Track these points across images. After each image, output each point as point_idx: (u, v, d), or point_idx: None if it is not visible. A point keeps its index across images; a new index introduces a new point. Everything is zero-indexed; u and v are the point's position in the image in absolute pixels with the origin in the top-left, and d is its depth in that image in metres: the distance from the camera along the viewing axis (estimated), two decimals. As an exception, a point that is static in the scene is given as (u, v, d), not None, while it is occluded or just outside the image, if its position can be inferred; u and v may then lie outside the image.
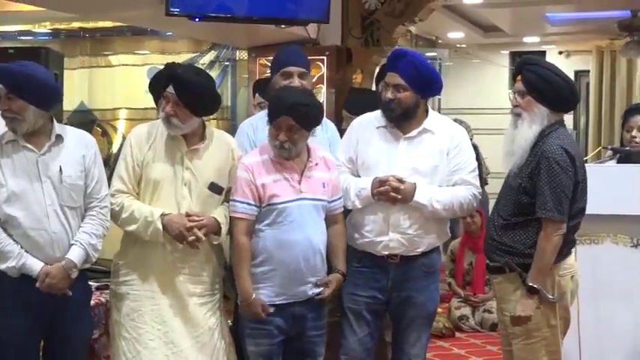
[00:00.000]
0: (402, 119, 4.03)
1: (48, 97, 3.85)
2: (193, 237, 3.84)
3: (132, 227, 3.90)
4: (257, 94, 5.46)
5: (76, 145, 3.91)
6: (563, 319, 3.93)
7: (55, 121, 3.92)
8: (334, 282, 4.01)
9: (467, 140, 4.18)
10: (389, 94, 3.99)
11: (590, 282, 4.60)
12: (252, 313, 3.87)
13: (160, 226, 3.83)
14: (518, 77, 3.97)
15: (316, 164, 3.99)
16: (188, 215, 3.87)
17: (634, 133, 5.06)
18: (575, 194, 3.83)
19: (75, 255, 3.81)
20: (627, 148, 5.10)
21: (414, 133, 4.05)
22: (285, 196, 3.89)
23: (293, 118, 3.84)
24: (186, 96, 3.86)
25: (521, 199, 3.85)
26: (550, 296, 3.83)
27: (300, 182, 3.93)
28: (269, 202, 3.88)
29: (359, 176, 4.10)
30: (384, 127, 4.08)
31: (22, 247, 3.75)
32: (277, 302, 3.90)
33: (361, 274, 4.09)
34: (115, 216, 3.96)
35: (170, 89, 3.88)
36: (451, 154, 4.07)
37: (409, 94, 3.98)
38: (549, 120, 3.89)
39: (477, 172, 4.16)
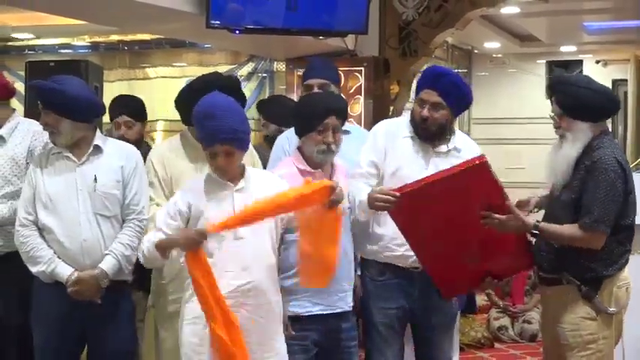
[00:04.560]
0: (435, 136, 4.01)
1: (81, 109, 3.90)
2: None
3: None
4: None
5: (115, 156, 3.97)
6: (617, 331, 3.91)
7: (97, 131, 4.00)
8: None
9: None
10: (425, 112, 3.94)
11: (635, 293, 4.56)
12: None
13: None
14: (552, 99, 3.98)
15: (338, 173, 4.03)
16: None
17: None
18: (626, 205, 3.81)
19: (108, 265, 3.85)
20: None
21: (444, 149, 4.02)
22: None
23: (338, 117, 3.89)
24: None
25: (576, 212, 3.83)
26: (610, 309, 3.83)
27: None
28: None
29: (380, 183, 4.03)
30: (411, 138, 4.05)
31: (54, 253, 3.83)
32: (315, 313, 3.89)
33: (388, 287, 4.05)
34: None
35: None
36: None
37: (446, 112, 3.95)
38: (594, 132, 3.87)
39: None
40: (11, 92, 4.45)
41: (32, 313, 3.96)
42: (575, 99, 3.86)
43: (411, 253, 3.93)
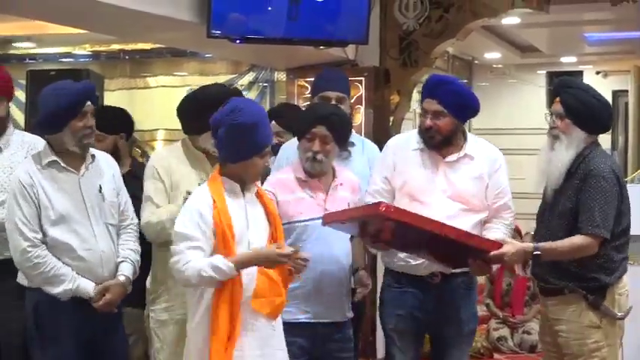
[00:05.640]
0: (442, 145, 4.02)
1: None
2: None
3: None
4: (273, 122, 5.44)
5: (106, 165, 3.99)
6: (620, 339, 3.92)
7: None
8: (366, 280, 4.08)
9: (504, 162, 4.16)
10: (428, 122, 3.97)
11: (632, 303, 4.56)
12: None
13: None
14: (557, 99, 3.97)
15: (341, 184, 4.04)
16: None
17: None
18: (620, 212, 3.83)
19: (128, 271, 3.87)
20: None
21: (453, 157, 4.03)
22: (308, 214, 3.93)
23: (327, 127, 3.92)
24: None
25: (575, 221, 3.84)
26: (619, 313, 3.84)
27: (325, 201, 3.97)
28: (289, 220, 3.90)
29: (392, 197, 4.07)
30: (421, 150, 4.07)
31: (72, 270, 3.78)
32: (302, 320, 3.92)
33: (402, 295, 4.08)
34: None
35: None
36: (493, 178, 4.07)
37: (449, 120, 3.96)
38: (586, 142, 3.91)
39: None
40: (8, 90, 4.35)
41: (37, 330, 3.84)
42: (583, 105, 3.89)
43: (421, 260, 3.96)
